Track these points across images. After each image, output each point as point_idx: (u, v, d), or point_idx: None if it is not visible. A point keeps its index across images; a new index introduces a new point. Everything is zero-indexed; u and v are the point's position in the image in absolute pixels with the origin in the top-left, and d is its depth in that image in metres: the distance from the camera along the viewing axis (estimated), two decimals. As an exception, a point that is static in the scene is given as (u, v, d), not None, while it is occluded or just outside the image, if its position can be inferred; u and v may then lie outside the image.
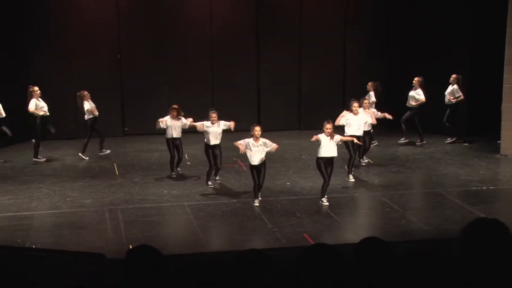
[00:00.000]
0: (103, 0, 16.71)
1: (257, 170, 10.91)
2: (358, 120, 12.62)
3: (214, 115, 11.92)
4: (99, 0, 16.68)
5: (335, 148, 10.91)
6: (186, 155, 14.18)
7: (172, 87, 16.14)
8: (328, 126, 10.85)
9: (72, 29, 16.45)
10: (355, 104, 12.65)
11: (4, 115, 14.11)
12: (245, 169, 12.44)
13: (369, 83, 15.34)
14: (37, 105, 13.95)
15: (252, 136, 10.81)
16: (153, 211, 10.72)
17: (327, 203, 10.96)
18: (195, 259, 6.37)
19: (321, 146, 10.83)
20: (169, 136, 12.71)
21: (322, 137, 10.84)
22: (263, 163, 10.92)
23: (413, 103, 15.29)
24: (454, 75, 15.30)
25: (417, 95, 15.21)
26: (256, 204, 10.97)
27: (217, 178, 12.44)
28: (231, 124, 12.04)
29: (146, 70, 16.78)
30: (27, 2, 16.09)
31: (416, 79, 15.23)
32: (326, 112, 13.98)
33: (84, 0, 16.56)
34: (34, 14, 16.17)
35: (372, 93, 15.16)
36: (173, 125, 12.63)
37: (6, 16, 15.53)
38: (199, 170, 13.21)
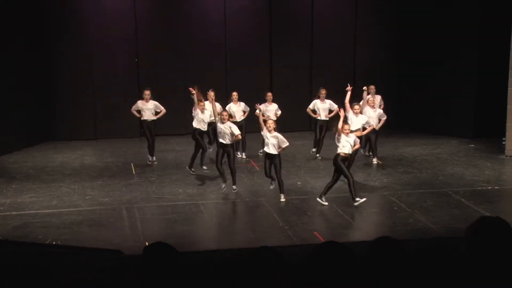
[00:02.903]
0: (121, 4, 16.92)
1: (270, 160, 11.21)
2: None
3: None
4: (117, 4, 16.89)
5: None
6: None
7: (187, 89, 16.37)
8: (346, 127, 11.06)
9: (90, 33, 16.67)
10: (356, 107, 12.95)
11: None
12: (257, 169, 12.64)
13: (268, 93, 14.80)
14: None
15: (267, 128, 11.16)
16: (169, 210, 10.93)
17: (364, 199, 11.02)
18: (209, 256, 6.66)
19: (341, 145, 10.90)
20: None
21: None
22: (276, 156, 11.15)
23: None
24: (323, 90, 14.47)
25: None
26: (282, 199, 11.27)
27: (234, 187, 11.82)
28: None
29: (162, 73, 16.97)
30: (45, 6, 16.27)
31: (371, 86, 14.42)
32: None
33: (103, 4, 16.78)
34: (52, 18, 16.37)
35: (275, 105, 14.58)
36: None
37: (27, 20, 15.73)
38: (214, 171, 13.45)
